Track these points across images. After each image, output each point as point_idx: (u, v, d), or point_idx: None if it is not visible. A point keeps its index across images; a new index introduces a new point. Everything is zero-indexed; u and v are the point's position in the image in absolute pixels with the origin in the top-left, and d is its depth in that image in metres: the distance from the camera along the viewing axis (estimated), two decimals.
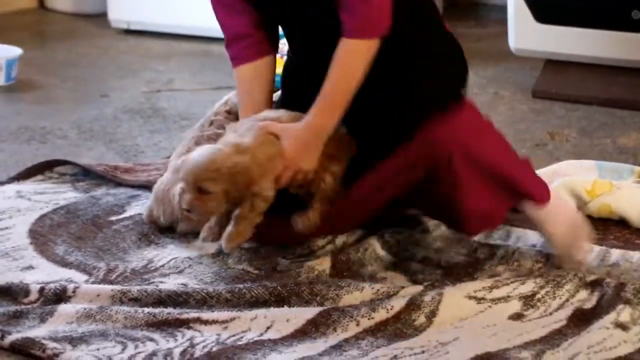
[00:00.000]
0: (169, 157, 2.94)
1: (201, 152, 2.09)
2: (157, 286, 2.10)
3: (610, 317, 1.96)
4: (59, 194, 2.60)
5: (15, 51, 3.66)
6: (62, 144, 3.08)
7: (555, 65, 3.54)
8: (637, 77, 3.41)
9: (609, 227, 2.42)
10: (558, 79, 3.53)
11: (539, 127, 3.23)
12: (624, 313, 1.97)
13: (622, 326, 1.94)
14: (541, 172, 2.60)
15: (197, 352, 1.88)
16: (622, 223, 2.43)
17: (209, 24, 4.25)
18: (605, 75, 3.45)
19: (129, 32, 4.49)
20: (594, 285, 2.08)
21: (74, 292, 2.05)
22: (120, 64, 4.06)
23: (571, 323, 1.97)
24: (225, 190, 2.06)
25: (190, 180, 2.06)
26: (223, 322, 1.97)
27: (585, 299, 2.05)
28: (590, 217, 2.46)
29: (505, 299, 2.05)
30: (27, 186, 2.65)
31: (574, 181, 2.49)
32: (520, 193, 2.17)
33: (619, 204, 2.43)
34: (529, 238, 2.34)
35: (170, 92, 3.67)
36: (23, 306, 2.02)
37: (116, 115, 3.38)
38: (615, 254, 2.25)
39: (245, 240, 2.14)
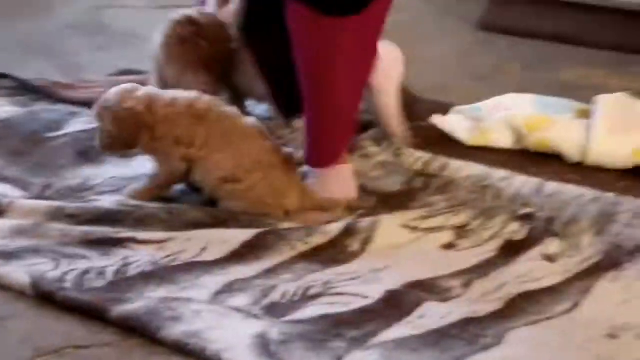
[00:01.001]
0: (112, 74, 2.91)
1: (114, 89, 2.13)
2: (93, 204, 2.10)
3: (539, 249, 2.01)
4: None
5: None
6: (1, 57, 3.02)
7: None
8: (584, 13, 3.42)
9: (545, 161, 2.45)
10: (505, 11, 3.53)
11: (484, 59, 3.24)
12: (552, 245, 2.02)
13: (550, 258, 1.98)
14: (483, 105, 2.62)
15: (131, 271, 1.88)
16: (558, 158, 2.46)
17: None
18: (552, 9, 3.46)
19: None
20: (524, 218, 2.12)
21: (8, 206, 2.04)
22: None
23: (501, 253, 2.01)
24: (110, 131, 2.10)
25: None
26: (158, 242, 1.97)
27: (516, 230, 2.09)
28: (528, 151, 2.49)
29: (439, 229, 2.08)
30: None
31: (513, 115, 2.51)
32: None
33: (556, 140, 2.46)
34: (465, 169, 2.36)
35: (116, 9, 3.62)
36: None
37: (60, 31, 3.32)
38: (551, 186, 2.28)
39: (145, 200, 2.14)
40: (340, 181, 2.18)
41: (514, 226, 2.09)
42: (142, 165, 2.31)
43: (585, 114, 2.58)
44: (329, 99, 2.12)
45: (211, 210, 2.08)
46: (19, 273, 1.82)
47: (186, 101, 2.14)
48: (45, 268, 1.86)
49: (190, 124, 2.11)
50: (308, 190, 2.15)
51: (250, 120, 2.18)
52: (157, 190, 2.17)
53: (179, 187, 2.22)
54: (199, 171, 2.12)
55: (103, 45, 3.22)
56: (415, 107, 2.62)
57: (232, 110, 2.18)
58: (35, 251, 1.92)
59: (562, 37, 3.41)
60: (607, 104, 2.46)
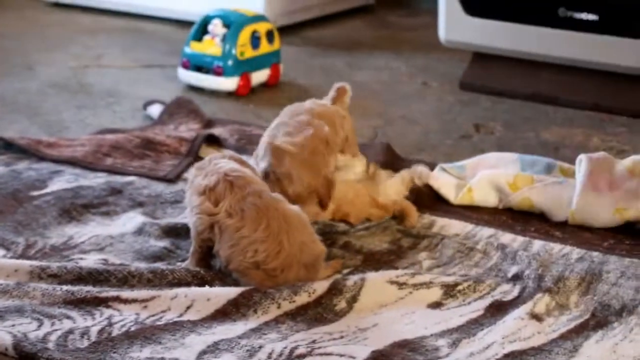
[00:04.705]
0: (94, 133, 2.91)
1: None
2: (77, 263, 2.07)
3: (526, 307, 1.99)
4: None
5: None
6: None
7: (483, 58, 3.59)
8: (561, 74, 3.47)
9: (530, 220, 2.45)
10: (485, 71, 3.57)
11: (465, 118, 3.27)
12: (540, 303, 2.01)
13: (537, 317, 1.97)
14: (465, 163, 2.64)
15: (115, 331, 1.85)
16: (542, 216, 2.47)
17: (142, 0, 4.18)
18: (531, 70, 3.51)
19: (58, 5, 4.42)
20: (515, 279, 2.11)
21: None
22: (48, 37, 3.99)
23: (488, 313, 2.00)
24: None
25: None
26: (142, 301, 1.95)
27: (507, 291, 2.07)
28: (511, 210, 2.50)
29: (428, 285, 2.06)
30: None
31: (496, 174, 2.52)
32: None
33: (539, 198, 2.47)
34: (452, 227, 2.36)
35: (99, 68, 3.62)
36: None
37: (42, 90, 3.32)
38: (537, 244, 2.29)
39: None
40: None
41: (505, 287, 2.08)
42: (124, 224, 2.29)
43: (567, 173, 2.59)
44: None
45: (196, 272, 2.06)
46: (1, 334, 1.79)
47: (229, 167, 2.08)
48: (28, 328, 1.83)
49: (221, 183, 2.05)
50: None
51: (294, 207, 2.07)
52: (196, 256, 2.09)
53: (162, 244, 2.20)
54: (226, 244, 2.03)
55: (85, 104, 3.21)
56: (398, 166, 2.63)
57: (277, 195, 2.08)
58: (18, 311, 1.89)
59: (541, 97, 3.46)
60: (590, 163, 2.47)
